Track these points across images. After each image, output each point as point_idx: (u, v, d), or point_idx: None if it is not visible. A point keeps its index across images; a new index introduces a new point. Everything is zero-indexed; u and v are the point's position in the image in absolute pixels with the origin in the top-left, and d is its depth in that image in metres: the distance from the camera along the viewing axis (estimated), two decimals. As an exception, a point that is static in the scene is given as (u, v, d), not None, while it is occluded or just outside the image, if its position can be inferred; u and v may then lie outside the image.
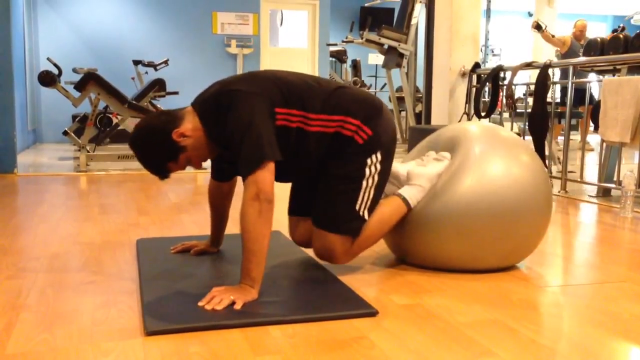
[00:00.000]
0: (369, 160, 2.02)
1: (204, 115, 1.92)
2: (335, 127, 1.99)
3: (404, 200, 2.15)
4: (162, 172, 1.98)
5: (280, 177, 2.04)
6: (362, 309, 1.71)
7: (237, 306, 1.69)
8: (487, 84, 4.92)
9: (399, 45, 7.14)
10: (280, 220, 3.03)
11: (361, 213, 2.04)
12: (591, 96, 4.78)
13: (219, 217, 2.32)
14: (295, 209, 2.26)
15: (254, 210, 1.73)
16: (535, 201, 2.10)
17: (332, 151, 2.01)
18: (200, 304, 1.71)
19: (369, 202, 2.05)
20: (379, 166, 2.04)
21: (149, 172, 2.00)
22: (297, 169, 2.06)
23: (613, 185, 3.90)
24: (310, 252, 2.38)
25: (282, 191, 4.16)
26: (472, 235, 2.06)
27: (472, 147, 2.15)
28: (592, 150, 7.31)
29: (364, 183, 2.02)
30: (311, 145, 1.98)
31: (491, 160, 2.12)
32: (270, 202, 1.75)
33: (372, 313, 1.70)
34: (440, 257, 2.14)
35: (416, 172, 2.18)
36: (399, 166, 2.23)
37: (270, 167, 1.77)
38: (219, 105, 1.88)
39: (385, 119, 2.08)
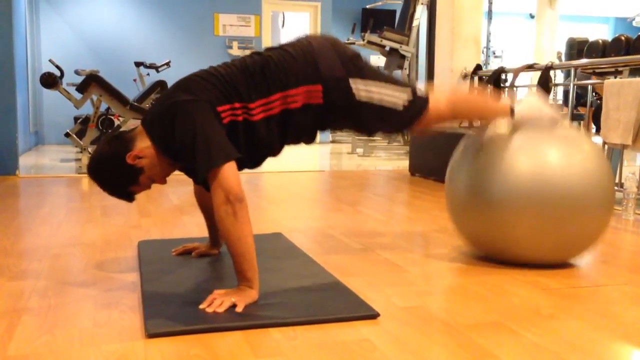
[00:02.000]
0: (354, 94, 1.97)
1: (152, 134, 1.89)
2: (279, 106, 1.92)
3: (512, 103, 2.19)
4: (126, 196, 1.98)
5: (254, 164, 2.03)
6: (363, 312, 1.70)
7: (239, 308, 1.69)
8: (489, 85, 4.92)
9: (401, 47, 7.15)
10: (282, 222, 3.03)
11: (399, 104, 2.03)
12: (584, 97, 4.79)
13: (211, 219, 2.32)
14: None
15: (227, 214, 1.72)
16: (597, 194, 2.14)
17: (311, 123, 1.98)
18: (201, 306, 1.70)
19: (390, 92, 2.02)
20: (360, 85, 1.99)
21: (113, 197, 1.99)
22: (267, 154, 2.04)
23: (615, 188, 3.89)
24: (311, 254, 2.38)
25: (283, 193, 4.16)
26: (531, 221, 2.11)
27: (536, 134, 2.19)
28: None
29: (377, 100, 2.00)
30: (262, 133, 1.92)
31: (550, 146, 2.15)
32: (241, 201, 1.73)
33: (374, 315, 1.69)
34: (500, 239, 2.19)
35: (535, 97, 2.22)
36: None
37: (230, 167, 1.74)
38: (162, 120, 1.85)
39: (320, 56, 1.96)
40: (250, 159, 2.00)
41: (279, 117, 1.93)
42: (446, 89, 2.09)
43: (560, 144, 2.16)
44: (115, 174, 1.91)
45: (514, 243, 2.18)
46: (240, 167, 1.89)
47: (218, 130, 1.81)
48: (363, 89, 1.99)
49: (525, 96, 2.27)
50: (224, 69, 1.92)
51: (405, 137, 7.90)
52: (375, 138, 8.00)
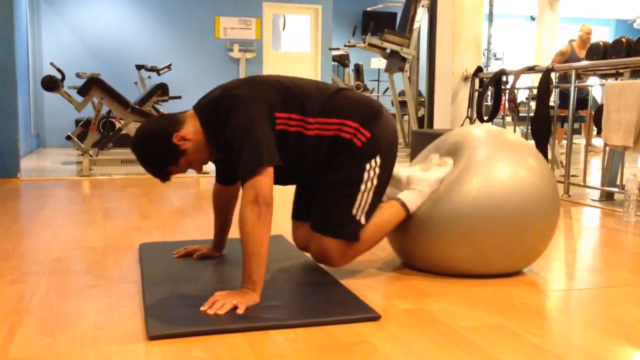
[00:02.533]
0: (367, 165, 2.02)
1: (204, 119, 1.94)
2: (333, 130, 2.00)
3: (403, 205, 2.15)
4: (163, 175, 2.00)
5: (281, 181, 2.05)
6: (364, 313, 1.70)
7: (240, 310, 1.69)
8: (490, 88, 4.92)
9: (402, 49, 7.15)
10: (283, 224, 3.03)
11: (357, 217, 2.04)
12: (585, 100, 4.77)
13: (222, 221, 2.33)
14: (297, 213, 2.26)
15: (252, 213, 1.74)
16: (542, 205, 2.09)
17: (332, 154, 2.02)
18: (202, 308, 1.71)
19: (366, 207, 2.05)
20: (377, 170, 2.04)
21: (150, 174, 2.01)
22: (298, 172, 2.07)
23: (616, 189, 3.89)
24: (312, 256, 2.39)
25: (285, 195, 4.16)
26: (477, 240, 2.05)
27: (477, 151, 2.15)
28: (596, 152, 7.28)
29: (362, 187, 2.02)
30: (310, 149, 1.99)
31: (496, 163, 2.11)
32: (269, 206, 1.76)
33: (375, 317, 1.69)
34: (444, 261, 2.13)
35: (417, 177, 2.18)
36: (400, 170, 2.23)
37: (269, 171, 1.79)
38: (219, 109, 1.89)
39: (385, 122, 2.08)
40: (287, 173, 2.02)
41: (330, 139, 2.00)
42: (368, 234, 2.08)
43: (504, 159, 2.11)
44: (159, 151, 1.94)
45: (455, 261, 2.11)
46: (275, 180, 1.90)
47: (269, 133, 1.86)
48: (369, 171, 2.02)
49: (407, 187, 2.18)
50: (293, 80, 2.01)
51: (407, 139, 7.91)
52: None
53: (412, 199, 2.15)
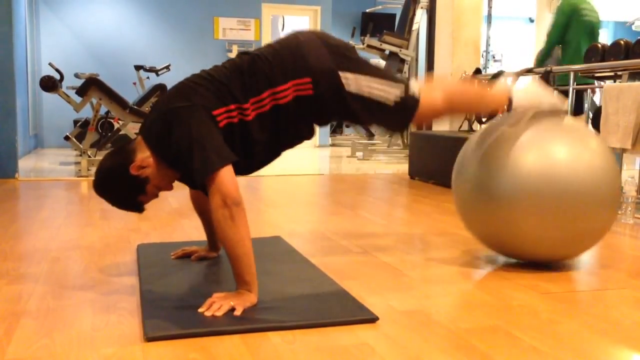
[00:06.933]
0: (344, 89, 1.96)
1: (150, 142, 1.90)
2: (269, 102, 1.92)
3: (509, 92, 2.17)
4: (136, 207, 1.98)
5: (249, 169, 2.03)
6: (362, 315, 1.70)
7: (237, 312, 1.69)
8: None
9: (400, 50, 7.16)
10: (280, 225, 3.02)
11: (395, 99, 2.00)
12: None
13: (207, 223, 2.33)
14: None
15: (225, 217, 1.72)
16: (604, 191, 2.14)
17: (295, 118, 1.96)
18: (200, 310, 1.70)
19: (383, 86, 2.00)
20: (351, 75, 1.97)
21: (122, 210, 2.00)
22: (263, 157, 2.03)
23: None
24: (310, 257, 2.38)
25: (281, 197, 4.16)
26: (538, 215, 2.10)
27: (542, 130, 2.19)
28: None
29: (366, 94, 1.97)
30: (257, 132, 1.92)
31: (558, 142, 2.15)
32: (238, 205, 1.73)
33: (372, 319, 1.69)
34: (506, 234, 2.19)
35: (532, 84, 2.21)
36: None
37: (227, 171, 1.75)
38: (160, 128, 1.86)
39: (308, 50, 1.96)
40: (246, 163, 1.99)
41: (269, 113, 1.93)
42: (443, 83, 2.07)
43: (568, 140, 2.17)
44: (122, 187, 1.92)
45: (520, 238, 2.18)
46: (236, 172, 1.87)
47: (214, 134, 1.81)
48: (353, 81, 1.97)
49: (523, 84, 2.25)
50: (216, 72, 1.93)
51: (405, 141, 7.91)
52: (375, 141, 8.01)
53: (521, 93, 2.16)
